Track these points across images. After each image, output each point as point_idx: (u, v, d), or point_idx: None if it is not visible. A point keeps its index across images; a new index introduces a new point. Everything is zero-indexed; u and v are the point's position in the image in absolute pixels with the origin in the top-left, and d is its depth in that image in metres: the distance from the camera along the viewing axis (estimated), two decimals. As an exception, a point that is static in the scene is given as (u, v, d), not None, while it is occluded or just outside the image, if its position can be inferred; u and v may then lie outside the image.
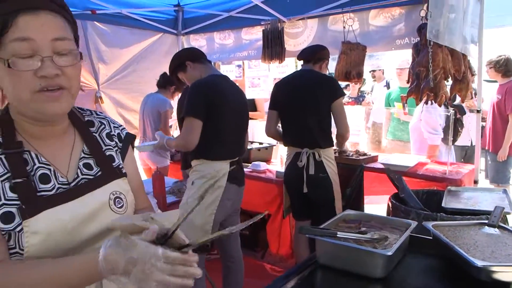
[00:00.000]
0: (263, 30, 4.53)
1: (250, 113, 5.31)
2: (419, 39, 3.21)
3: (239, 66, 5.46)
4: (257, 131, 5.43)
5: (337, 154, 3.63)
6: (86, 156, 1.11)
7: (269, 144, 4.52)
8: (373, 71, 6.52)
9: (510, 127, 4.54)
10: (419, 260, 1.59)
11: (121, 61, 5.02)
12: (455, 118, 3.84)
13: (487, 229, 1.60)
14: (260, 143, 4.62)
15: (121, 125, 1.28)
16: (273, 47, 4.45)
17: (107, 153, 1.16)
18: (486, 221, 1.66)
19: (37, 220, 0.93)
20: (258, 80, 5.18)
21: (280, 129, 3.32)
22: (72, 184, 1.04)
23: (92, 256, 0.87)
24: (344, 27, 3.93)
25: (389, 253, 1.37)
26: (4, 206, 0.92)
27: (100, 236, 1.04)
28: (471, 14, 3.03)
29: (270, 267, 3.87)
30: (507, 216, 2.12)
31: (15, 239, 0.92)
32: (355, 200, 3.51)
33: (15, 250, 0.93)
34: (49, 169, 1.01)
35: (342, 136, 3.19)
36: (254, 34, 4.88)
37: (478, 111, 3.36)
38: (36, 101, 0.93)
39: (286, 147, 3.31)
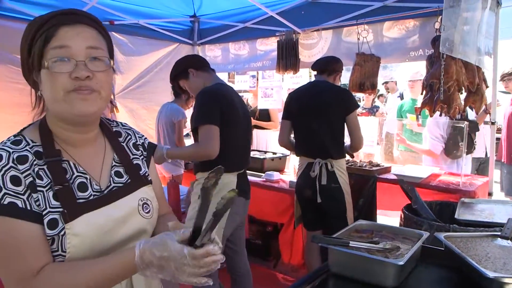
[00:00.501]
0: (277, 41, 4.59)
1: (264, 123, 5.41)
2: (433, 51, 3.23)
3: (253, 76, 5.51)
4: (270, 140, 5.47)
5: (348, 165, 3.63)
6: (117, 164, 1.21)
7: (282, 154, 4.54)
8: (386, 82, 6.52)
9: None
10: (431, 271, 1.60)
11: (137, 71, 5.12)
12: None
13: (500, 241, 1.60)
14: (274, 153, 4.64)
15: (144, 135, 1.37)
16: (287, 58, 4.49)
17: (134, 162, 1.25)
18: (499, 233, 1.66)
19: (77, 223, 1.02)
20: (271, 90, 5.22)
21: (293, 139, 3.34)
22: (106, 191, 1.13)
23: (129, 253, 0.98)
24: (358, 39, 3.97)
25: (401, 263, 1.38)
26: (50, 213, 1.00)
27: (130, 239, 1.14)
28: (485, 25, 3.03)
29: (282, 276, 3.87)
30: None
31: (58, 243, 1.01)
32: (367, 211, 3.51)
33: (58, 253, 1.01)
34: (86, 178, 1.10)
35: (356, 148, 3.20)
36: (269, 45, 4.94)
37: (492, 123, 3.35)
38: (68, 100, 1.03)
39: (299, 157, 3.33)
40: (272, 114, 5.47)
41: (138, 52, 5.08)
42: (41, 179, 1.02)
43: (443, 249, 1.65)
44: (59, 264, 1.01)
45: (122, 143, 1.26)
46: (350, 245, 1.52)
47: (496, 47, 3.38)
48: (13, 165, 0.99)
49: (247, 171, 2.81)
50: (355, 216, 3.16)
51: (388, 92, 7.06)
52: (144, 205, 1.18)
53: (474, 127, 4.09)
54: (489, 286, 1.30)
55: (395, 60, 4.16)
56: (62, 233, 1.00)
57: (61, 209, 1.01)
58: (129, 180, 1.19)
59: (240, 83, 5.54)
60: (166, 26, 5.28)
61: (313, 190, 3.07)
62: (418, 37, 3.78)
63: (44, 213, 1.00)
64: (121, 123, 1.33)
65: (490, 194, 3.52)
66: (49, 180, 1.03)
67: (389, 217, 3.53)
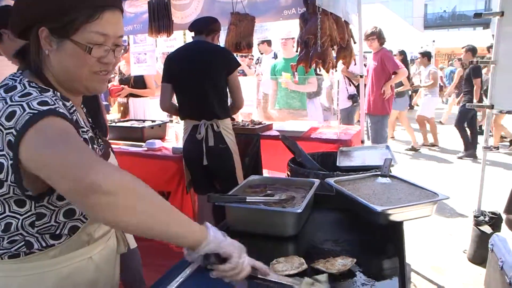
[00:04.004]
0: (148, 2, 4.31)
1: (140, 90, 5.15)
2: (305, 9, 3.32)
3: (123, 41, 5.16)
4: (148, 109, 5.24)
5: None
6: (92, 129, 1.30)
7: (162, 121, 4.38)
8: (262, 42, 6.64)
9: (392, 80, 5.12)
10: (326, 215, 1.68)
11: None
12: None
13: (381, 179, 1.74)
14: (153, 121, 4.46)
15: None
16: (160, 20, 4.25)
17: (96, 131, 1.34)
18: (379, 173, 1.80)
19: None
20: (145, 55, 4.95)
21: (175, 102, 3.22)
22: (101, 149, 1.26)
23: (202, 227, 1.05)
24: (232, -2, 3.91)
25: (299, 211, 1.42)
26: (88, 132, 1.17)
27: None
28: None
29: (176, 246, 3.80)
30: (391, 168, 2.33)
31: None
32: (253, 169, 3.58)
33: None
34: (92, 134, 1.21)
35: (237, 108, 3.20)
36: (139, 7, 4.62)
37: (361, 76, 3.60)
38: (90, 80, 1.12)
39: (183, 121, 3.23)
40: (148, 81, 5.20)
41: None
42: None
43: (333, 193, 1.74)
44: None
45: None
46: (247, 200, 1.52)
47: (359, 8, 3.59)
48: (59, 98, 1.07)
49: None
50: (243, 176, 3.19)
51: (262, 53, 7.21)
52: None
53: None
54: (377, 219, 1.40)
55: (270, 19, 4.19)
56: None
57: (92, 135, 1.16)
58: (104, 143, 1.31)
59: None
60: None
61: (201, 153, 3.02)
62: (291, -5, 3.84)
63: None
64: None
65: (362, 141, 3.83)
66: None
67: (277, 171, 3.65)
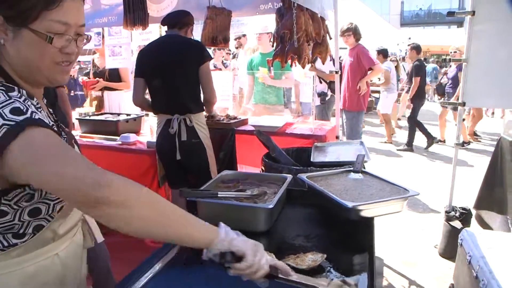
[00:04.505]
0: (123, -7, 4.24)
1: (115, 84, 5.06)
2: (281, 4, 3.31)
3: (98, 33, 5.06)
4: (123, 102, 5.16)
5: (207, 120, 3.62)
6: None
7: (137, 115, 4.32)
8: (239, 37, 6.61)
9: (367, 76, 5.22)
10: (298, 211, 1.68)
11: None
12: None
13: (353, 175, 1.75)
14: (128, 115, 4.40)
15: None
16: (135, 12, 4.17)
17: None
18: (352, 169, 1.81)
19: None
20: (120, 48, 4.87)
21: (148, 97, 3.18)
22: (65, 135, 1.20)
23: (214, 227, 1.04)
24: (208, -8, 3.87)
25: (270, 206, 1.41)
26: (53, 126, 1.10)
27: None
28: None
29: (150, 240, 3.76)
30: (364, 164, 2.35)
31: None
32: (228, 163, 3.57)
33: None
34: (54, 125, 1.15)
35: (209, 102, 3.14)
36: (114, -1, 4.55)
37: (336, 72, 3.62)
38: (52, 70, 1.07)
39: (156, 116, 3.19)
40: (123, 74, 5.12)
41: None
42: None
43: (306, 189, 1.74)
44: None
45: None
46: (218, 195, 1.51)
47: (336, 4, 3.60)
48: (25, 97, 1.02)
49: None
50: (218, 170, 3.18)
51: (237, 48, 7.19)
52: None
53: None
54: (348, 214, 1.41)
55: (246, 13, 4.18)
56: None
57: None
58: (66, 134, 1.23)
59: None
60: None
61: (174, 147, 2.99)
62: (267, -10, 3.83)
63: None
64: None
65: (337, 137, 3.85)
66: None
67: (252, 166, 3.64)
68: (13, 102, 0.94)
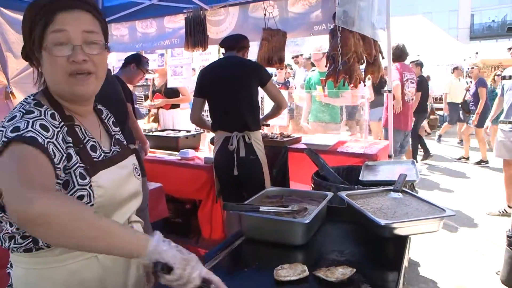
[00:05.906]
0: (185, 18, 4.52)
1: (176, 99, 5.37)
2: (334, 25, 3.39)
3: (161, 55, 5.41)
4: (177, 119, 5.48)
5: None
6: (108, 135, 1.36)
7: (197, 131, 4.55)
8: (296, 56, 6.73)
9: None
10: (336, 227, 1.74)
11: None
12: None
13: (393, 194, 1.79)
14: (188, 131, 4.63)
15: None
16: (196, 35, 4.45)
17: (116, 137, 1.39)
18: (392, 188, 1.85)
19: (98, 177, 1.17)
20: (181, 68, 5.16)
21: (204, 117, 3.36)
22: (110, 154, 1.29)
23: (145, 238, 1.00)
24: (264, 14, 4.04)
25: (307, 221, 1.49)
26: (78, 167, 1.14)
27: (131, 197, 1.32)
28: (378, 2, 3.26)
29: (205, 251, 3.91)
30: (414, 184, 2.35)
31: (87, 195, 1.13)
32: (281, 180, 3.66)
33: (90, 204, 1.13)
34: (95, 141, 1.25)
35: (281, 107, 3.33)
36: (177, 23, 4.85)
37: (389, 91, 3.63)
38: (69, 83, 1.14)
39: (214, 133, 3.36)
40: (182, 90, 5.42)
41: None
42: (65, 140, 1.13)
43: (345, 206, 1.80)
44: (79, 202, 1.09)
45: (104, 120, 1.40)
46: (260, 209, 1.61)
47: (388, 22, 3.63)
48: (44, 117, 1.10)
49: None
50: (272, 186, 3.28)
51: (291, 67, 7.30)
52: (136, 169, 1.36)
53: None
54: (381, 232, 1.46)
55: (300, 34, 4.31)
56: (89, 185, 1.14)
57: (83, 165, 1.14)
58: (120, 149, 1.35)
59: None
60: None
61: (232, 163, 3.14)
62: (321, 12, 3.92)
63: (73, 166, 1.12)
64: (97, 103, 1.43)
65: (390, 156, 3.83)
66: (70, 139, 1.15)
67: (304, 184, 3.70)
68: (19, 121, 1.05)
